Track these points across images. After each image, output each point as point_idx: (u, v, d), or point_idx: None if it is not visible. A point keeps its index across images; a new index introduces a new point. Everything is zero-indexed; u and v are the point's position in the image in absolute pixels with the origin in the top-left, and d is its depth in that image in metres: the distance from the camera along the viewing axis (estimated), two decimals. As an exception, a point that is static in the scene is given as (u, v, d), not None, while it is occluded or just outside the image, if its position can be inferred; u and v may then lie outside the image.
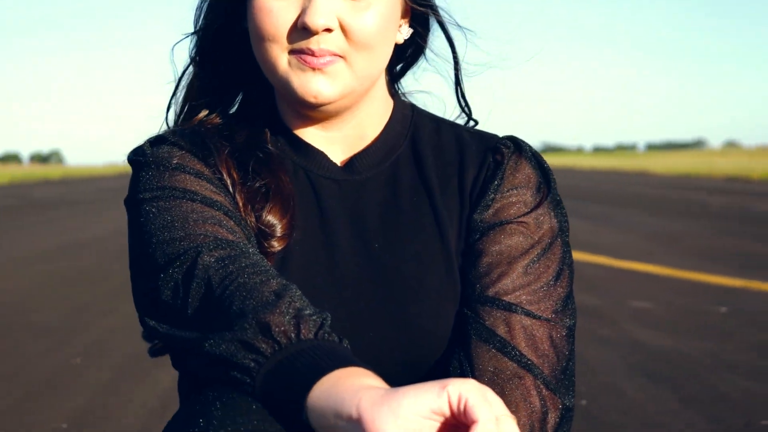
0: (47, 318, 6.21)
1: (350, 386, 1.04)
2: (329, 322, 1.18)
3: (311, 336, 1.14)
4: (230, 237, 1.32)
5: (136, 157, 1.44)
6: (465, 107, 1.59)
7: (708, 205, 16.57)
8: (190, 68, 1.54)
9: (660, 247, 10.09)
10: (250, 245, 1.33)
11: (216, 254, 1.26)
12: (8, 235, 13.16)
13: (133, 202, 1.40)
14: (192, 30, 1.53)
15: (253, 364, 1.13)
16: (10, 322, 6.09)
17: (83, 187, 33.37)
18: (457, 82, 1.57)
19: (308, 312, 1.17)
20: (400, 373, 1.42)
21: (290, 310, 1.16)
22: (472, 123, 1.60)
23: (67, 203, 21.85)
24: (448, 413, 1.00)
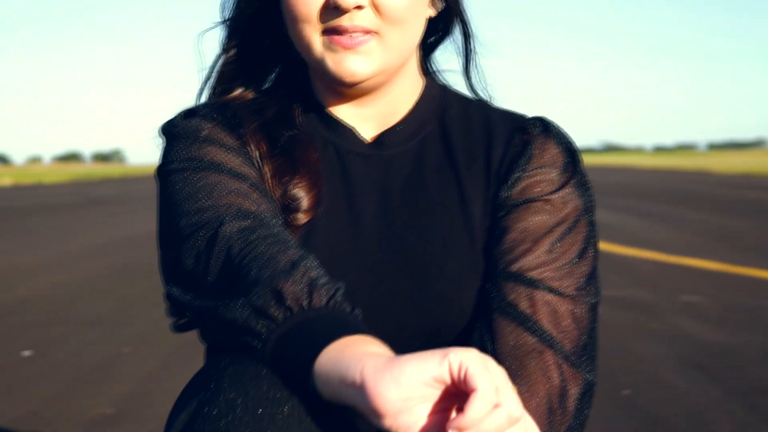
0: (100, 309, 6.31)
1: (355, 353, 1.05)
2: (342, 291, 1.19)
3: (322, 304, 1.15)
4: (254, 209, 1.34)
5: (167, 128, 1.47)
6: (471, 85, 1.60)
7: (764, 203, 16.33)
8: (222, 54, 1.55)
9: (712, 243, 9.98)
10: (273, 218, 1.35)
11: (238, 225, 1.28)
12: (67, 230, 13.41)
13: (162, 173, 1.43)
14: (220, 18, 1.55)
15: (264, 330, 1.14)
16: (65, 313, 6.20)
17: (141, 186, 33.79)
18: (467, 59, 1.58)
19: (322, 281, 1.18)
20: (421, 346, 1.41)
21: (304, 279, 1.17)
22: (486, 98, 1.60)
23: (125, 201, 22.14)
24: (449, 381, 1.01)
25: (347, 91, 1.47)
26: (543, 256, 1.41)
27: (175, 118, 1.48)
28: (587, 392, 1.41)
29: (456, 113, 1.54)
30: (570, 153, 1.48)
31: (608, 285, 6.96)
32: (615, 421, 3.48)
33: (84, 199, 23.22)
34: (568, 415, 1.39)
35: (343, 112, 1.51)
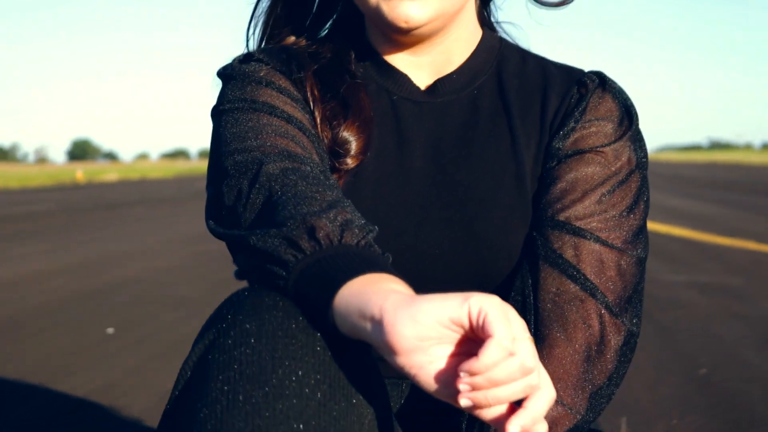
0: (188, 292, 6.42)
1: (378, 289, 1.04)
2: (374, 235, 1.18)
3: (353, 243, 1.15)
4: (299, 151, 1.34)
5: (224, 71, 1.49)
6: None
7: None
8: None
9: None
10: (319, 161, 1.36)
11: (281, 165, 1.29)
12: (165, 221, 13.71)
13: (216, 113, 1.44)
14: None
15: (292, 259, 1.14)
16: (154, 294, 6.31)
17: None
18: None
19: (357, 223, 1.17)
20: (467, 289, 1.41)
21: (338, 219, 1.16)
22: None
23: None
24: (467, 325, 0.99)
25: (402, 38, 1.46)
26: (592, 207, 1.39)
27: (232, 61, 1.50)
28: (628, 342, 1.39)
29: (513, 65, 1.53)
30: (626, 107, 1.47)
31: (700, 271, 6.86)
32: (689, 397, 3.42)
33: (185, 193, 23.65)
34: (607, 364, 1.37)
35: (397, 59, 1.51)
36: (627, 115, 1.46)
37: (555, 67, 1.53)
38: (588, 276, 1.37)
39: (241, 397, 1.04)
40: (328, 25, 1.58)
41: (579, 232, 1.38)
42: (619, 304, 1.38)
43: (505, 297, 1.40)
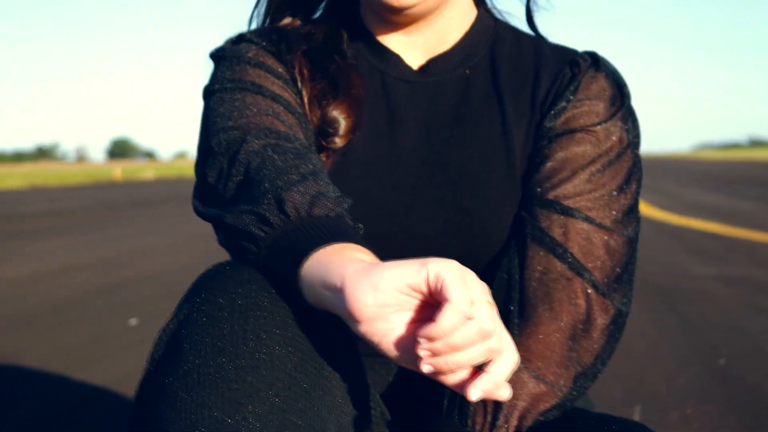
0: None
1: (340, 258, 1.05)
2: (346, 206, 1.19)
3: (322, 215, 1.15)
4: (282, 129, 1.35)
5: (216, 52, 1.50)
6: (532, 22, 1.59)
7: None
8: None
9: None
10: (303, 138, 1.37)
11: (262, 142, 1.30)
12: (197, 217, 13.73)
13: (206, 93, 1.45)
14: None
15: (262, 234, 1.15)
16: (178, 288, 6.31)
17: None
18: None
19: (328, 196, 1.18)
20: None
21: (310, 191, 1.17)
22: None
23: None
24: (425, 290, 0.99)
25: (395, 18, 1.46)
26: (581, 186, 1.38)
27: (224, 43, 1.51)
28: (616, 322, 1.37)
29: (507, 45, 1.52)
30: (618, 87, 1.45)
31: (727, 264, 6.81)
32: (706, 388, 3.38)
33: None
34: (594, 343, 1.35)
35: (391, 39, 1.50)
36: (619, 93, 1.45)
37: (549, 48, 1.52)
38: (575, 255, 1.36)
39: (211, 370, 1.05)
40: (322, 6, 1.58)
41: (567, 211, 1.37)
42: (607, 283, 1.36)
43: (494, 276, 1.39)
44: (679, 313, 4.86)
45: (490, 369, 1.00)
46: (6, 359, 4.07)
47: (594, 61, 1.46)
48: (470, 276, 0.99)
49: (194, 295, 1.13)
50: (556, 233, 1.36)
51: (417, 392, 1.43)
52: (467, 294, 0.97)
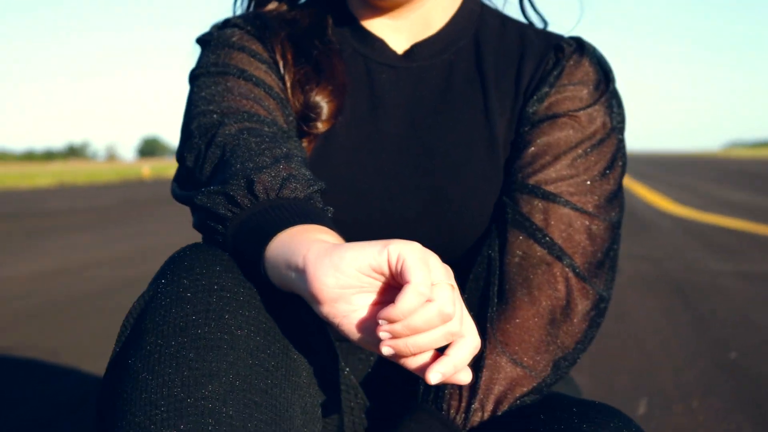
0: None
1: (303, 239, 1.04)
2: (317, 189, 1.19)
3: (291, 197, 1.15)
4: (261, 112, 1.36)
5: (202, 37, 1.51)
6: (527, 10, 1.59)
7: None
8: None
9: None
10: (282, 123, 1.38)
11: (239, 126, 1.31)
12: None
13: (191, 78, 1.46)
14: None
15: (229, 214, 1.15)
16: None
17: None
18: None
19: (299, 178, 1.18)
20: (436, 254, 1.41)
21: (281, 174, 1.17)
22: (541, 25, 1.58)
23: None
24: (387, 272, 0.98)
25: (380, 3, 1.46)
26: (563, 171, 1.38)
27: (211, 28, 1.52)
28: (597, 307, 1.38)
29: (492, 30, 1.52)
30: (604, 72, 1.45)
31: (748, 260, 6.77)
32: (714, 381, 3.37)
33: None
34: (575, 328, 1.36)
35: (375, 24, 1.51)
36: (604, 78, 1.44)
37: (534, 33, 1.52)
38: (555, 240, 1.36)
39: (172, 350, 1.05)
40: None
41: (549, 196, 1.37)
42: (588, 268, 1.37)
43: (474, 262, 1.40)
44: (693, 308, 4.84)
45: (450, 352, 0.99)
46: (21, 351, 4.11)
47: (579, 46, 1.46)
48: (432, 258, 0.99)
49: (160, 277, 1.14)
50: (537, 218, 1.37)
51: (394, 378, 1.44)
52: (428, 276, 0.96)
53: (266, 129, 1.31)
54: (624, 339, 4.14)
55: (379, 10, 1.49)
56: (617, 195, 1.41)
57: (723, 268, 6.35)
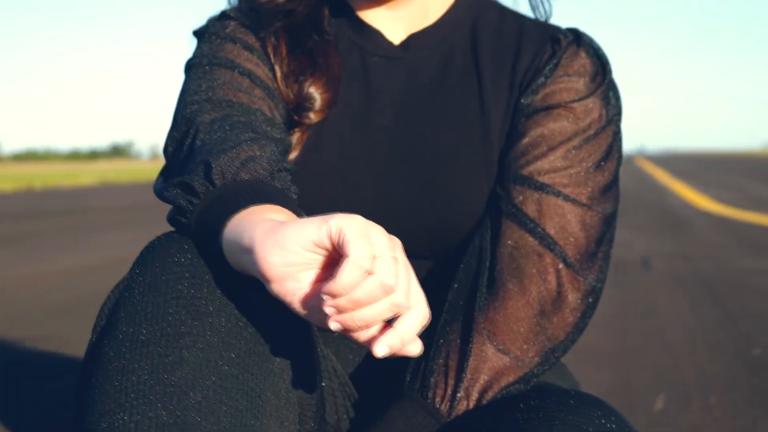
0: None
1: (253, 220, 1.05)
2: (280, 168, 1.19)
3: (248, 179, 1.16)
4: (244, 101, 1.37)
5: (199, 29, 1.52)
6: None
7: None
8: None
9: None
10: (267, 112, 1.38)
11: (216, 114, 1.31)
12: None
13: (185, 69, 1.47)
14: None
15: (187, 205, 1.16)
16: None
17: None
18: None
19: (260, 159, 1.19)
20: (428, 244, 1.44)
21: (241, 156, 1.18)
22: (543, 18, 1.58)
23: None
24: (329, 246, 0.98)
25: None
26: (557, 162, 1.39)
27: (208, 20, 1.52)
28: (588, 298, 1.38)
29: (489, 21, 1.52)
30: (601, 63, 1.45)
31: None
32: (736, 377, 3.35)
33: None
34: (566, 319, 1.36)
35: (372, 15, 1.51)
36: (601, 70, 1.44)
37: (533, 25, 1.52)
38: (548, 231, 1.36)
39: (142, 338, 1.07)
40: None
41: (542, 187, 1.37)
42: (579, 260, 1.37)
43: (465, 252, 1.41)
44: (721, 304, 4.81)
45: (397, 324, 0.98)
46: (54, 343, 4.16)
47: (576, 37, 1.46)
48: (375, 230, 0.98)
49: (135, 266, 1.16)
50: (530, 209, 1.37)
51: (380, 367, 1.43)
52: (368, 249, 0.95)
53: (242, 118, 1.31)
54: (648, 334, 4.13)
55: (376, 1, 1.49)
56: (612, 187, 1.41)
57: (756, 266, 6.31)
